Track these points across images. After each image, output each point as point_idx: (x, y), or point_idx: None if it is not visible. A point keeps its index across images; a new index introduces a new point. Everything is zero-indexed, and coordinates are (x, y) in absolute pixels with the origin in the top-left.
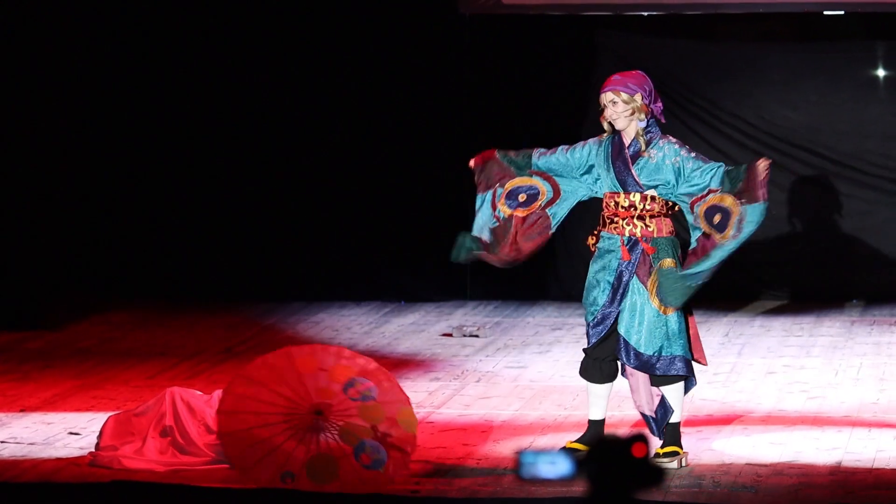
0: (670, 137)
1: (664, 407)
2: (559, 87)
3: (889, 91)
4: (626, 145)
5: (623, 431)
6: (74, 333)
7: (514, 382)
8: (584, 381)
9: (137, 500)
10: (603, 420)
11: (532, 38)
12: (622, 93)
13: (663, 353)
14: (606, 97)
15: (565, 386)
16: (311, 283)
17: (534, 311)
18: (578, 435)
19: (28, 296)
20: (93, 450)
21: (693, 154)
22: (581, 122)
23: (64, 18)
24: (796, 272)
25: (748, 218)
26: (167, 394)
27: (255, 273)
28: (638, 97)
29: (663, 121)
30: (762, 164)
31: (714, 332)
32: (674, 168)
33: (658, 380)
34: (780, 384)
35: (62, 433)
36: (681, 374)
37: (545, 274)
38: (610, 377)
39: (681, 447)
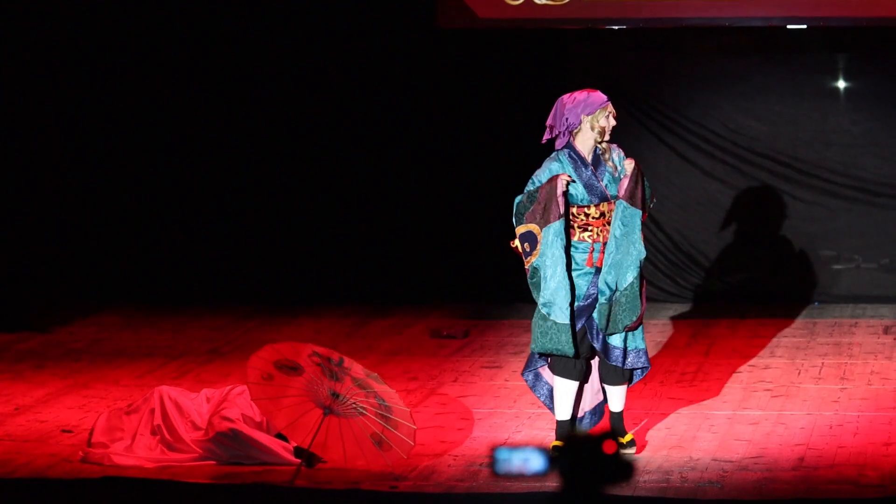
0: (615, 146)
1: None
2: (533, 99)
3: (849, 102)
4: (588, 159)
5: (593, 430)
6: (66, 335)
7: (490, 381)
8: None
9: (127, 495)
10: (574, 417)
11: (506, 51)
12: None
13: (629, 347)
14: (612, 110)
15: None
16: (293, 286)
17: (509, 312)
18: (546, 431)
19: (21, 299)
20: (84, 447)
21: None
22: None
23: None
24: (761, 275)
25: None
26: (156, 392)
27: (240, 276)
28: None
29: None
30: (628, 167)
31: (682, 333)
32: (619, 179)
33: (624, 375)
34: (745, 383)
35: (55, 431)
36: (646, 366)
37: (520, 275)
38: (582, 375)
39: None
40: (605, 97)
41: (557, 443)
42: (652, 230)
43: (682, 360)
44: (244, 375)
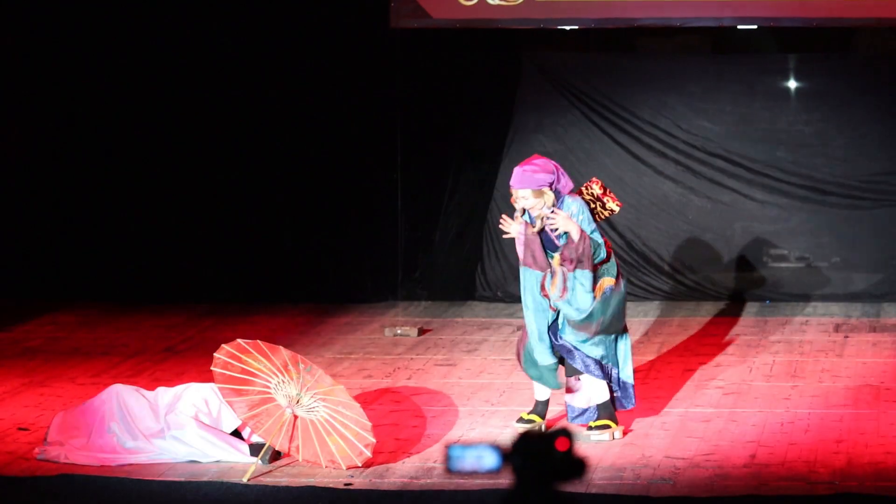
0: (568, 202)
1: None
2: (486, 99)
3: (799, 101)
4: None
5: (547, 427)
6: (22, 333)
7: (444, 379)
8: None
9: (83, 492)
10: (548, 400)
11: (460, 51)
12: (528, 189)
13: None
14: (516, 193)
15: (492, 383)
16: (249, 285)
17: (462, 311)
18: (500, 428)
19: None
20: (41, 445)
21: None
22: (506, 132)
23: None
24: (713, 274)
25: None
26: (112, 390)
27: (196, 275)
28: (544, 191)
29: (566, 192)
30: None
31: (634, 332)
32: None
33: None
34: (697, 381)
35: (11, 429)
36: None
37: (473, 276)
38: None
39: (614, 421)
40: (512, 182)
41: (528, 416)
42: (605, 230)
43: (635, 358)
44: (207, 366)
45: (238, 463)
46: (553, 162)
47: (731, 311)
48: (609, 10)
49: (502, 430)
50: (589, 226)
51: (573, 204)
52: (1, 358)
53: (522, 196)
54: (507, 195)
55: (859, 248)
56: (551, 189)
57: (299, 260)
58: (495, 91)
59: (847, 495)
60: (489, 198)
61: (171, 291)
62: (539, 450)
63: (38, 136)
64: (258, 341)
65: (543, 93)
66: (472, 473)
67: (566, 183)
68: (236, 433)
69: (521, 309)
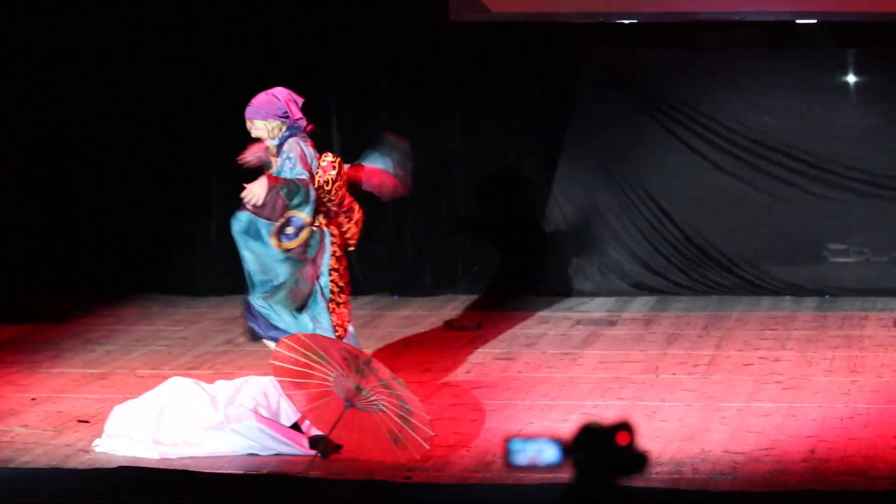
0: (289, 143)
1: None
2: (543, 92)
3: (858, 96)
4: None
5: (608, 420)
6: (82, 326)
7: (503, 373)
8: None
9: (143, 485)
10: None
11: (518, 45)
12: (255, 120)
13: None
14: (248, 122)
15: (551, 377)
16: None
17: (521, 305)
18: (559, 422)
19: (37, 290)
20: (100, 437)
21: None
22: (564, 126)
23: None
24: (772, 268)
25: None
26: (171, 382)
27: None
28: (269, 122)
29: (305, 126)
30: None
31: (693, 326)
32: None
33: None
34: (756, 375)
35: (71, 421)
36: None
37: (532, 269)
38: None
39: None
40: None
41: None
42: (664, 224)
43: (694, 352)
44: (266, 359)
45: (297, 456)
46: (288, 96)
47: (790, 306)
48: (668, 5)
49: (562, 424)
50: (291, 170)
51: (286, 145)
52: (62, 350)
53: (253, 126)
54: (566, 189)
55: None
56: (282, 122)
57: (358, 254)
58: (553, 85)
59: None
60: (548, 191)
61: (231, 283)
62: (600, 444)
63: (91, 129)
64: (317, 334)
65: (601, 87)
66: (532, 467)
67: (301, 122)
68: (295, 426)
69: (580, 303)
